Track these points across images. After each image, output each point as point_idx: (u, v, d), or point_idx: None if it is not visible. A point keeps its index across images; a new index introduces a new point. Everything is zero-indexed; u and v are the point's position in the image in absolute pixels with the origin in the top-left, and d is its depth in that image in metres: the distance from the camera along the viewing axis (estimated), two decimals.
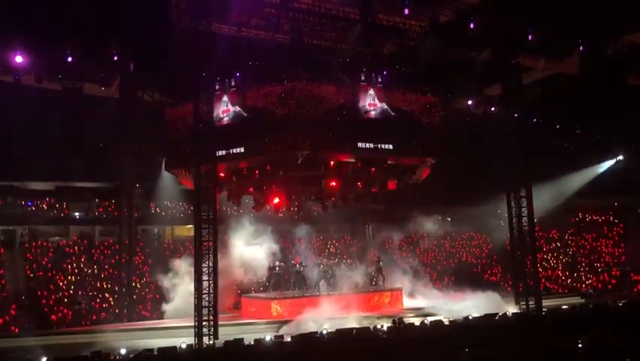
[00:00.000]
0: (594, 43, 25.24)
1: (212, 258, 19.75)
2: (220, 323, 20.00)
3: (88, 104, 26.64)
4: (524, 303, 23.34)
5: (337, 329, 18.19)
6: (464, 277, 32.21)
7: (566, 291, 33.52)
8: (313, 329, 18.97)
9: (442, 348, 16.46)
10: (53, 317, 24.89)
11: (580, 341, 15.83)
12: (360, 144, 22.75)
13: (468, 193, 33.08)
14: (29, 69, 23.24)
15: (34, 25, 21.29)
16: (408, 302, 27.10)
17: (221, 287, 20.96)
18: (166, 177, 28.56)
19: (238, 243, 26.88)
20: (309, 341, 16.88)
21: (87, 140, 29.02)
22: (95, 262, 28.55)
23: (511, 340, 17.13)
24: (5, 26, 20.91)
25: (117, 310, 25.72)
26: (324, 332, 17.94)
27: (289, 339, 17.37)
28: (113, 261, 27.99)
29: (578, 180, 37.80)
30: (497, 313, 20.88)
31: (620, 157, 38.65)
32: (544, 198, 32.44)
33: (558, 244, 38.71)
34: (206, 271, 19.59)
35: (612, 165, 38.86)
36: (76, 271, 27.75)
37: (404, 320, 20.65)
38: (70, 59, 23.13)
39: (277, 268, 26.46)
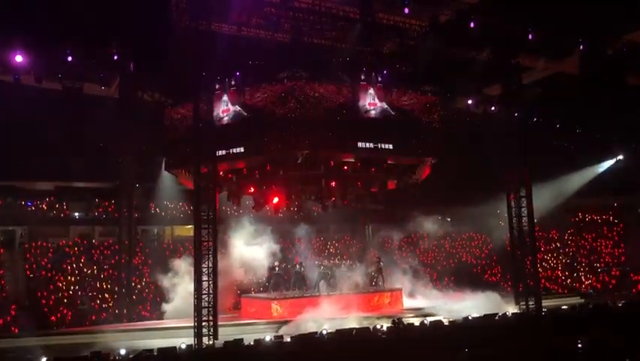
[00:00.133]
0: (594, 43, 25.23)
1: (212, 258, 19.72)
2: (220, 323, 19.97)
3: (88, 104, 26.65)
4: (524, 303, 23.33)
5: (337, 330, 18.18)
6: (464, 277, 32.21)
7: (566, 291, 33.51)
8: (313, 330, 18.95)
9: (442, 348, 16.46)
10: (53, 317, 24.88)
11: (580, 341, 15.83)
12: (360, 144, 22.70)
13: (468, 193, 33.07)
14: (29, 69, 23.23)
15: (34, 25, 21.28)
16: (408, 302, 27.07)
17: (221, 287, 20.94)
18: (166, 177, 28.53)
19: (238, 243, 26.87)
20: (309, 341, 16.88)
21: (87, 140, 29.04)
22: (95, 263, 28.52)
23: (511, 340, 17.14)
24: (5, 26, 20.90)
25: (117, 311, 25.71)
26: (324, 332, 17.93)
27: (289, 339, 17.38)
28: (113, 261, 27.98)
29: (577, 179, 37.78)
30: (497, 314, 20.88)
31: (620, 157, 38.63)
32: (544, 198, 32.43)
33: (558, 244, 38.72)
34: (206, 272, 19.57)
35: (612, 165, 38.85)
36: (76, 271, 27.74)
37: (404, 320, 20.65)
38: (70, 59, 23.12)
39: (277, 269, 26.45)
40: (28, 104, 25.74)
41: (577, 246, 38.61)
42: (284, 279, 26.51)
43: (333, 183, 23.89)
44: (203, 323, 19.20)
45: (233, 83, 22.58)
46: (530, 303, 23.24)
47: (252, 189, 24.33)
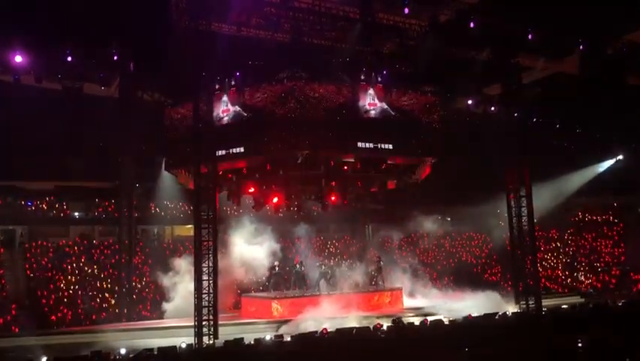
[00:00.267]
0: (594, 42, 25.24)
1: (212, 258, 19.74)
2: (220, 322, 19.98)
3: (88, 104, 26.65)
4: (524, 303, 23.34)
5: (337, 329, 18.20)
6: (464, 276, 32.21)
7: (566, 290, 33.54)
8: (313, 329, 18.96)
9: (442, 348, 16.49)
10: (53, 317, 24.89)
11: (580, 341, 15.87)
12: (360, 144, 22.70)
13: (468, 193, 33.10)
14: (29, 69, 23.22)
15: (34, 25, 21.28)
16: (408, 302, 27.10)
17: (221, 287, 20.96)
18: (166, 177, 28.52)
19: (238, 242, 26.89)
20: (309, 340, 16.90)
21: (87, 140, 29.07)
22: (95, 262, 28.53)
23: (511, 339, 17.16)
24: (5, 26, 20.90)
25: (117, 310, 25.72)
26: (324, 331, 17.94)
27: (289, 339, 17.39)
28: (113, 261, 27.98)
29: (577, 179, 37.81)
30: (497, 313, 20.91)
31: (620, 157, 38.67)
32: (544, 197, 32.45)
33: (558, 244, 38.72)
34: (206, 271, 19.58)
35: (612, 165, 38.88)
36: (76, 271, 27.76)
37: (404, 319, 20.67)
38: (70, 59, 23.11)
39: (277, 268, 26.47)
40: (28, 104, 25.75)
41: (577, 245, 38.62)
42: (284, 278, 26.54)
43: (333, 183, 23.89)
44: (204, 323, 19.21)
45: (233, 83, 22.58)
46: (530, 302, 23.26)
47: (252, 189, 24.33)
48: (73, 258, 28.41)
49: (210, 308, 19.37)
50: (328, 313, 22.66)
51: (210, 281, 19.54)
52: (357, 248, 33.48)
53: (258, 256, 26.75)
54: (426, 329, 18.91)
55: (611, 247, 38.06)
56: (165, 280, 26.23)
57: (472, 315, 20.17)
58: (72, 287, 26.72)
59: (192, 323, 19.37)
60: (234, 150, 22.44)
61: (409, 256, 32.31)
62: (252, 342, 16.61)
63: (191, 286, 20.20)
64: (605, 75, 26.68)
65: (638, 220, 38.87)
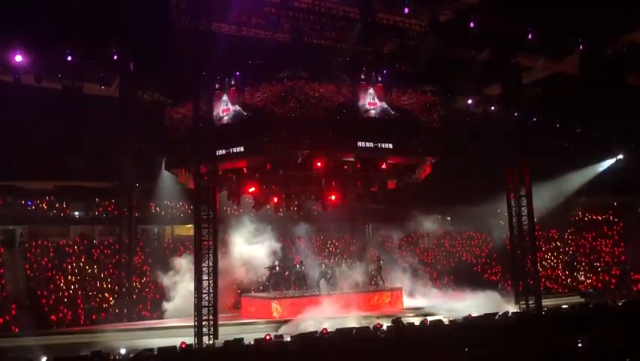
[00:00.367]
0: (594, 42, 25.24)
1: (212, 257, 19.75)
2: (220, 322, 20.00)
3: (88, 103, 26.67)
4: (524, 302, 23.36)
5: (337, 329, 18.20)
6: (464, 276, 32.21)
7: (566, 290, 33.54)
8: (313, 329, 18.96)
9: (442, 348, 16.50)
10: (53, 317, 24.89)
11: (580, 341, 15.89)
12: (360, 143, 22.72)
13: (468, 192, 33.09)
14: (29, 69, 23.24)
15: (34, 25, 21.28)
16: (408, 302, 27.10)
17: (221, 287, 20.98)
18: (166, 177, 28.52)
19: (238, 242, 26.89)
20: (308, 340, 16.91)
21: (87, 139, 29.08)
22: (95, 262, 28.55)
23: (511, 339, 17.18)
24: (5, 26, 20.90)
25: (117, 310, 25.71)
26: (324, 331, 17.95)
27: (289, 339, 17.40)
28: (114, 260, 28.02)
29: (577, 179, 37.81)
30: (497, 313, 20.93)
31: (620, 156, 38.68)
32: (544, 197, 32.45)
33: (558, 243, 38.72)
34: (206, 271, 19.59)
35: (612, 165, 38.89)
36: (76, 270, 27.76)
37: (404, 319, 20.68)
38: (70, 59, 23.14)
39: (277, 268, 26.47)
40: (28, 104, 25.75)
41: (577, 245, 38.63)
42: (284, 278, 26.54)
43: (333, 183, 23.89)
44: (204, 323, 19.22)
45: (233, 82, 22.59)
46: (530, 302, 23.28)
47: (252, 189, 24.33)
48: (73, 258, 28.42)
49: (210, 308, 19.38)
50: (328, 313, 22.65)
51: (210, 281, 19.55)
52: (357, 248, 33.51)
53: (258, 255, 26.76)
54: (426, 329, 18.92)
55: (611, 246, 38.09)
56: (165, 280, 26.24)
57: (472, 315, 20.18)
58: (72, 287, 26.73)
59: (192, 323, 19.37)
60: (234, 150, 22.45)
61: (409, 255, 32.30)
62: (252, 342, 16.61)
63: (191, 285, 20.21)
64: (605, 75, 26.70)
65: (638, 220, 38.90)
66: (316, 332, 18.09)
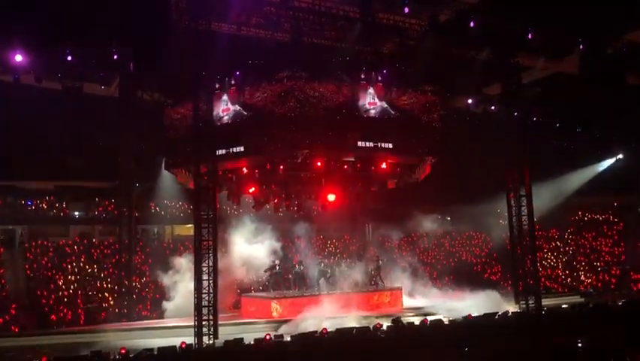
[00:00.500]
0: (594, 42, 25.22)
1: (212, 257, 19.74)
2: (220, 322, 19.98)
3: (88, 103, 26.64)
4: (524, 302, 23.35)
5: (337, 329, 18.21)
6: (464, 276, 32.19)
7: (566, 290, 33.55)
8: (313, 329, 18.96)
9: (442, 348, 16.50)
10: (53, 316, 24.89)
11: (580, 341, 15.88)
12: (360, 143, 22.74)
13: (468, 192, 33.08)
14: (29, 68, 23.20)
15: (34, 25, 21.24)
16: (407, 302, 27.10)
17: (221, 286, 20.96)
18: (166, 177, 28.52)
19: (238, 242, 26.89)
20: (308, 340, 16.91)
21: (87, 139, 29.07)
22: (95, 262, 28.57)
23: (511, 339, 17.18)
24: (5, 26, 20.89)
25: (117, 310, 25.72)
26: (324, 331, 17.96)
27: (289, 338, 17.40)
28: (113, 260, 28.03)
29: (577, 178, 37.82)
30: (497, 313, 20.94)
31: (620, 156, 38.68)
32: (544, 197, 32.45)
33: (558, 243, 38.72)
34: (206, 271, 19.58)
35: (612, 164, 38.89)
36: (76, 270, 27.77)
37: (403, 319, 20.68)
38: (70, 59, 23.11)
39: (277, 268, 26.47)
40: (28, 103, 25.74)
41: (577, 245, 38.62)
42: (284, 278, 26.54)
43: (333, 183, 23.88)
44: (204, 322, 19.21)
45: (233, 82, 22.61)
46: (530, 302, 23.26)
47: (252, 189, 24.34)
48: (73, 257, 28.43)
49: (210, 308, 19.37)
50: (328, 313, 22.65)
51: (210, 281, 19.55)
52: (357, 247, 33.51)
53: (258, 255, 26.76)
54: (426, 328, 18.93)
55: (611, 246, 38.08)
56: (165, 280, 26.24)
57: (472, 315, 20.19)
58: (72, 287, 26.74)
59: (192, 323, 19.37)
60: (234, 150, 22.45)
61: (409, 255, 32.27)
62: (252, 342, 16.61)
63: (191, 285, 20.20)
64: (605, 75, 26.67)
65: (638, 220, 38.89)
66: (316, 331, 18.10)
